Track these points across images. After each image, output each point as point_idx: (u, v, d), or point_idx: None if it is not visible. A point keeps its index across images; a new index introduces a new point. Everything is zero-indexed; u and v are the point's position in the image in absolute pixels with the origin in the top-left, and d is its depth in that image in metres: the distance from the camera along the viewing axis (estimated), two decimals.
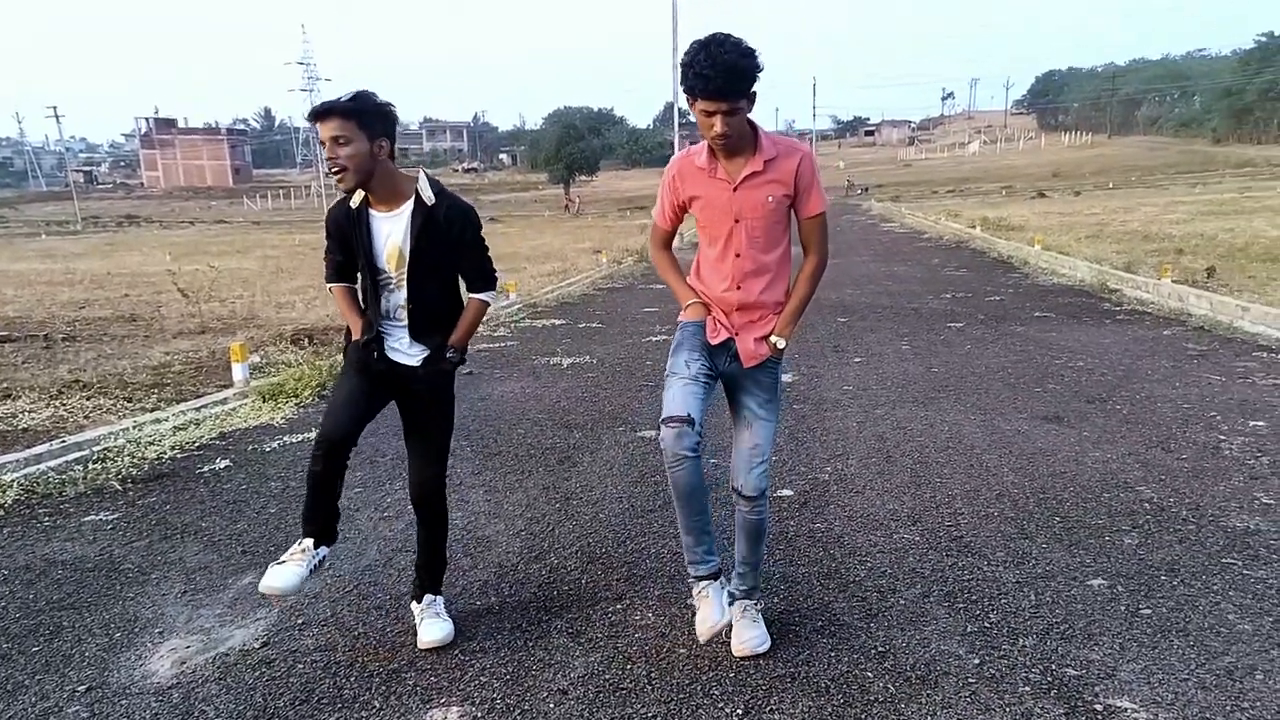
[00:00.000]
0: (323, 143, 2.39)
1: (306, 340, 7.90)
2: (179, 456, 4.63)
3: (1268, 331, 7.04)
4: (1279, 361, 6.15)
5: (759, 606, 2.65)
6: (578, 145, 56.18)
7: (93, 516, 3.78)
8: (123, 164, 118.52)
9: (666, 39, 23.10)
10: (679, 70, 2.27)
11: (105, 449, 4.62)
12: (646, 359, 7.08)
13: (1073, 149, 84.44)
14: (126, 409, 5.50)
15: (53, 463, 4.39)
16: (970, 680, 2.37)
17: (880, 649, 2.55)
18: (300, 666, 2.55)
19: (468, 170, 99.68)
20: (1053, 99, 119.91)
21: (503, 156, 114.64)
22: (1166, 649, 2.50)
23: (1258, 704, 2.23)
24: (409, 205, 2.50)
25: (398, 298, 2.56)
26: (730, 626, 2.52)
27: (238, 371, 6.08)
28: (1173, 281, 9.22)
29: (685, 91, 2.26)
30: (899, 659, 2.49)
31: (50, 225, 45.16)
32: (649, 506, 3.75)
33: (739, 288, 2.40)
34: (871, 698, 2.31)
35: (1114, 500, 3.65)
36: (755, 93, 2.25)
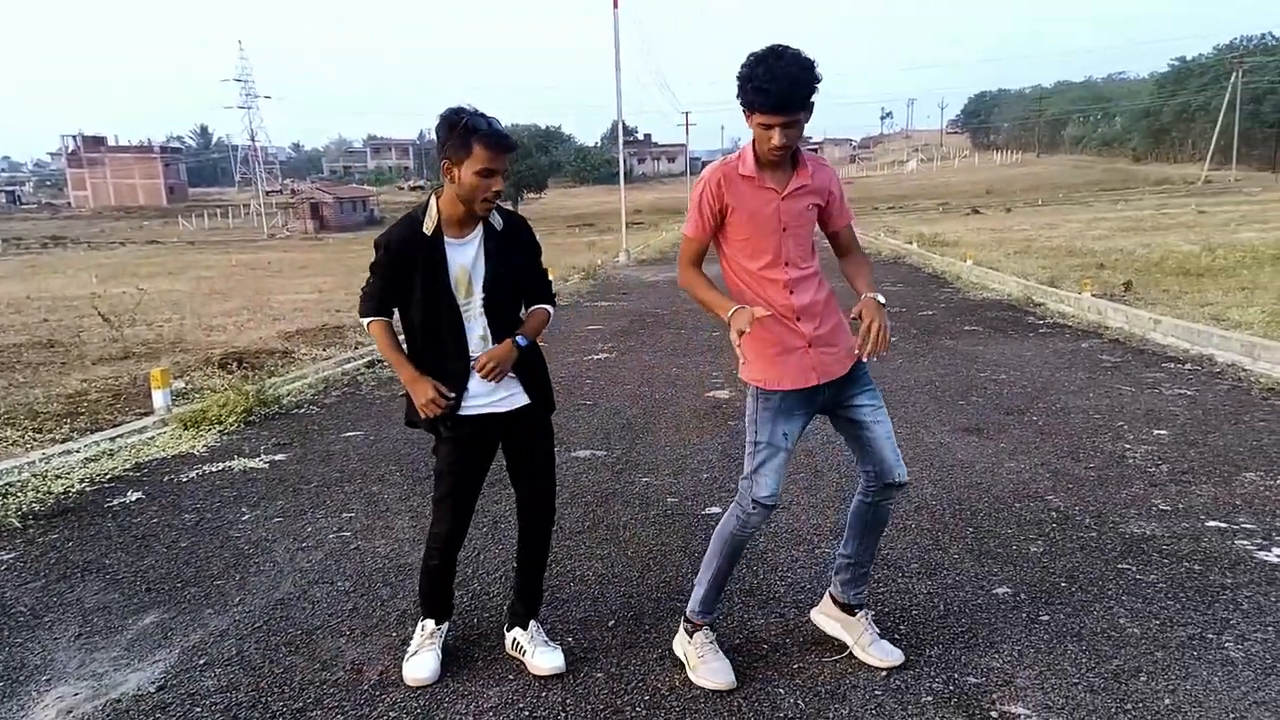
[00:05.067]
0: (487, 171, 2.30)
1: (236, 364, 7.67)
2: (87, 490, 4.44)
3: (1176, 343, 7.40)
4: (1184, 372, 6.46)
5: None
6: (525, 162, 56.22)
7: None
8: (49, 183, 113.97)
9: (611, 56, 23.35)
10: (738, 84, 2.22)
11: (7, 484, 4.41)
12: (586, 378, 7.07)
13: (1004, 167, 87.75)
14: (35, 441, 5.27)
15: None
16: (877, 693, 2.42)
17: (794, 665, 2.58)
18: (198, 710, 2.46)
19: (414, 188, 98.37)
20: (985, 119, 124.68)
21: None
22: (1061, 654, 2.58)
23: (1140, 705, 2.32)
24: (479, 231, 2.47)
25: (474, 329, 2.49)
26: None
27: (158, 399, 5.88)
28: (1092, 295, 9.63)
29: (743, 105, 2.25)
30: (811, 674, 2.52)
31: None
32: (577, 529, 3.74)
33: (791, 293, 2.39)
34: (782, 714, 2.34)
35: (1024, 510, 3.78)
36: (813, 104, 2.25)
